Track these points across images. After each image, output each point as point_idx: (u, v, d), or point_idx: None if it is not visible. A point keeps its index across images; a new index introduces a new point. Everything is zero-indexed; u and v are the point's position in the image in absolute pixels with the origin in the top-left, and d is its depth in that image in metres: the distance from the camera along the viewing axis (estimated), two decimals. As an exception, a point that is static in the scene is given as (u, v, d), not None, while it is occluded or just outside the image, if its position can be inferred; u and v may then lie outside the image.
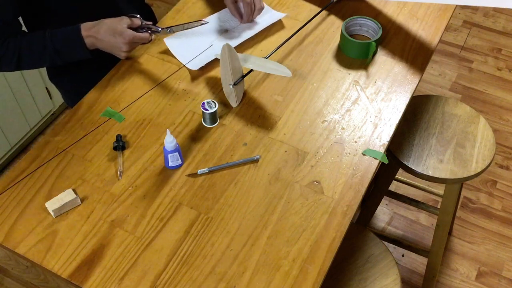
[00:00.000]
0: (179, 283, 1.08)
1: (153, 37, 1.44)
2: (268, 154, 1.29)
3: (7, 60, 1.37)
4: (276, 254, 1.13)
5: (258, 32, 1.57)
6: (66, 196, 1.18)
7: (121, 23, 1.37)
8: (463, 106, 1.76)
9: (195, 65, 1.47)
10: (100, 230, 1.16)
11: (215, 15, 1.61)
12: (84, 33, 1.38)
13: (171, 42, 1.53)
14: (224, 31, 1.57)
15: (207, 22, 1.53)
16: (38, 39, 1.38)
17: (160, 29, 1.44)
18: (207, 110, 1.32)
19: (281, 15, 1.61)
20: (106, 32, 1.37)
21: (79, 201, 1.20)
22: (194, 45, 1.53)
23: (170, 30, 1.46)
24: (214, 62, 1.48)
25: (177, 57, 1.50)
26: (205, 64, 1.47)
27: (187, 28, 1.49)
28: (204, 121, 1.35)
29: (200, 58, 1.49)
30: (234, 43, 1.53)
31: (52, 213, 1.17)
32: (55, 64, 1.42)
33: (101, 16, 1.40)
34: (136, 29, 1.41)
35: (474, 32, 2.99)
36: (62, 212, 1.18)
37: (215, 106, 1.33)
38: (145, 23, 1.42)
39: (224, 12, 1.62)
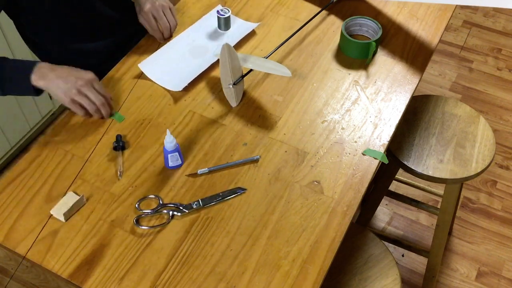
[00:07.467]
0: (179, 283, 1.08)
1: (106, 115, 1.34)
2: (268, 154, 1.29)
3: None
4: (276, 254, 1.13)
5: (258, 32, 1.57)
6: (70, 198, 1.18)
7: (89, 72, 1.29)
8: (463, 106, 1.76)
9: (178, 86, 1.41)
10: (100, 230, 1.16)
11: (186, 32, 1.55)
12: (40, 63, 1.25)
13: (147, 68, 1.45)
14: (196, 48, 1.51)
15: None
16: None
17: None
18: (222, 15, 1.50)
19: (253, 25, 1.56)
20: (66, 68, 1.27)
21: (85, 200, 1.20)
22: (170, 65, 1.46)
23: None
24: (214, 63, 1.48)
25: (157, 82, 1.43)
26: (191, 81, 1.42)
27: None
28: (219, 27, 1.54)
29: (181, 78, 1.43)
30: (208, 61, 1.47)
31: (62, 218, 1.16)
32: None
33: (77, 15, 1.37)
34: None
35: (474, 32, 2.99)
36: (72, 214, 1.18)
37: (229, 12, 1.51)
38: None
39: (196, 27, 1.57)
